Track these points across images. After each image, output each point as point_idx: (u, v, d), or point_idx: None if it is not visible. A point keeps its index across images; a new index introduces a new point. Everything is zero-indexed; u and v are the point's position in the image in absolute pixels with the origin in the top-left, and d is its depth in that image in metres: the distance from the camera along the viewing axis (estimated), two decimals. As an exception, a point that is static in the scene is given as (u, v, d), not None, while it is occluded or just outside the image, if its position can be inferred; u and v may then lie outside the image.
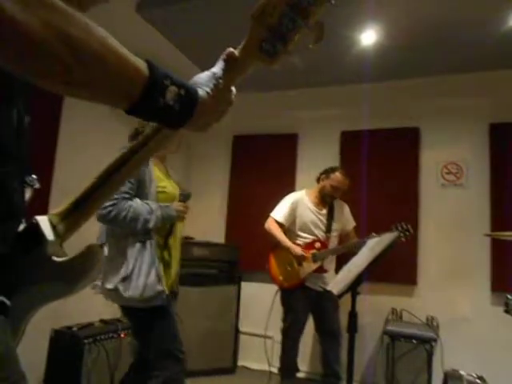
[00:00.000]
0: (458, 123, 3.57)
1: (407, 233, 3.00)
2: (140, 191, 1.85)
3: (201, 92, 0.69)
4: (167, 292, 1.84)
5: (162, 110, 0.62)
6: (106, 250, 0.68)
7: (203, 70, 0.75)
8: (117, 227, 1.79)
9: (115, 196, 1.73)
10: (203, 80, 0.72)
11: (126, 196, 1.78)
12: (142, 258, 1.77)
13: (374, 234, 2.97)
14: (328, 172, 3.13)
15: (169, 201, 1.92)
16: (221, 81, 0.74)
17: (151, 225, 1.80)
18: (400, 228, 3.02)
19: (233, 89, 0.78)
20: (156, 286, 1.78)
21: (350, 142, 3.86)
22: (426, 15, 2.80)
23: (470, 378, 2.37)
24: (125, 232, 1.80)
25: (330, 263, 3.16)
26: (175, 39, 3.28)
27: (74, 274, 0.77)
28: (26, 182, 0.77)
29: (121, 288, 1.72)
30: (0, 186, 0.64)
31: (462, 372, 2.46)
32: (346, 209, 3.29)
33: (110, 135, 3.01)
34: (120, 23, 3.08)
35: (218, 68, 0.75)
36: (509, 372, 2.97)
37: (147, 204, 1.82)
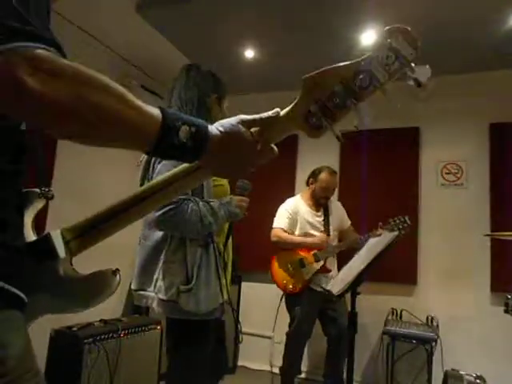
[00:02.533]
0: (458, 123, 3.57)
1: (405, 225, 2.98)
2: (197, 188, 1.57)
3: (210, 128, 0.74)
4: (225, 301, 1.65)
5: (177, 148, 0.69)
6: (118, 276, 0.69)
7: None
8: (177, 233, 1.54)
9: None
10: (222, 121, 0.77)
11: (184, 197, 1.50)
12: (204, 266, 1.55)
13: (374, 231, 2.98)
14: (315, 174, 3.16)
15: (224, 195, 1.67)
16: (245, 123, 0.77)
17: (215, 227, 1.57)
18: (398, 221, 3.00)
19: (273, 146, 0.81)
20: (218, 297, 1.60)
21: (350, 142, 3.86)
22: (426, 15, 2.80)
23: (470, 378, 2.37)
24: (183, 236, 1.55)
25: (332, 263, 3.17)
26: (175, 39, 3.28)
27: (79, 295, 0.78)
28: (41, 192, 0.83)
29: (181, 300, 1.49)
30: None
31: (462, 372, 2.46)
32: (340, 206, 3.32)
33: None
34: (120, 23, 3.08)
35: (250, 116, 0.79)
36: (509, 372, 2.97)
37: (207, 203, 1.56)
